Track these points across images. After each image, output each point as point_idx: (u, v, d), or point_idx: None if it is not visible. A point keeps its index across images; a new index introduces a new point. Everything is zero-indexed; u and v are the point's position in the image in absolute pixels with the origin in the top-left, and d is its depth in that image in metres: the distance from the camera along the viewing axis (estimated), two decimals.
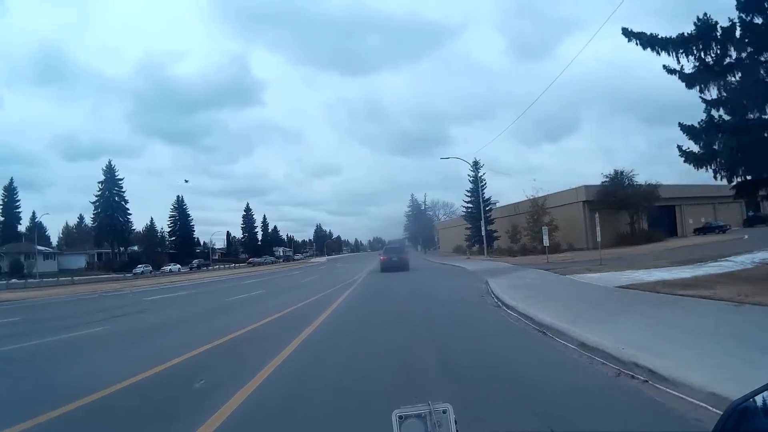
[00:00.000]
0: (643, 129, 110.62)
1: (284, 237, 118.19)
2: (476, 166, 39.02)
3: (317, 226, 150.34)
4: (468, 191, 42.01)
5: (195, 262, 59.67)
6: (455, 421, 0.96)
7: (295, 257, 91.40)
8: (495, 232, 39.31)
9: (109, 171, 63.23)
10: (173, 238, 73.32)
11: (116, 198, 62.90)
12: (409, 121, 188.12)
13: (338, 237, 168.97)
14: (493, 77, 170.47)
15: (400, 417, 0.96)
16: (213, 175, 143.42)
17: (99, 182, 62.65)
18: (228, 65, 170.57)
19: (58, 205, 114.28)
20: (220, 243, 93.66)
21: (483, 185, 39.08)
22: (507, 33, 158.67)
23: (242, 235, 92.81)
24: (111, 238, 61.90)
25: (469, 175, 41.13)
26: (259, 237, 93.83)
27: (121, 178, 64.52)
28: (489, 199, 41.34)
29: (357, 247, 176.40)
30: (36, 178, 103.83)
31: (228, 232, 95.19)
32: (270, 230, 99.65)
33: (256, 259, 67.84)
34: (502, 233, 38.42)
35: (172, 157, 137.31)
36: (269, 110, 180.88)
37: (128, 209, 63.93)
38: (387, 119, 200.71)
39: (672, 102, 41.59)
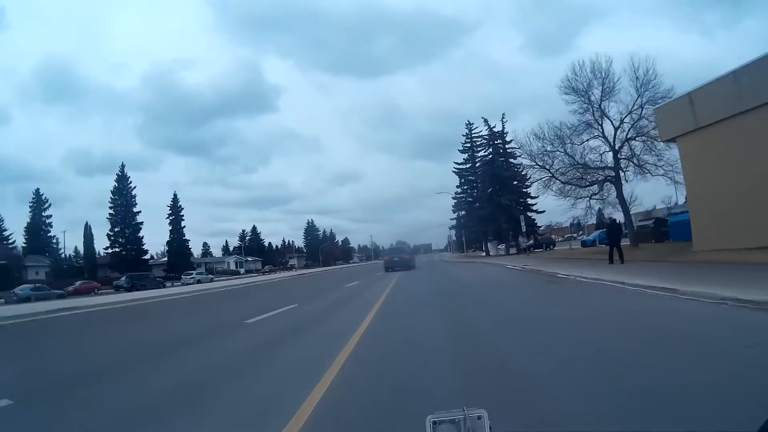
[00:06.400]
0: None
1: (279, 245, 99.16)
2: None
3: (308, 223, 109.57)
4: None
5: None
6: (490, 427, 0.95)
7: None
8: None
9: None
10: None
11: None
12: (428, 124, 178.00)
13: (345, 240, 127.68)
14: (511, 75, 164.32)
15: (434, 422, 0.95)
16: (231, 186, 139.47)
17: None
18: (239, 73, 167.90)
19: (78, 220, 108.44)
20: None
21: None
22: (524, 28, 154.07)
23: (111, 233, 52.43)
24: None
25: None
26: (155, 240, 58.52)
27: None
28: None
29: (376, 253, 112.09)
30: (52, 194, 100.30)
31: (59, 233, 57.31)
32: (198, 235, 65.70)
33: None
34: None
35: (188, 168, 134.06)
36: (284, 118, 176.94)
37: None
38: (405, 122, 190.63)
39: None
